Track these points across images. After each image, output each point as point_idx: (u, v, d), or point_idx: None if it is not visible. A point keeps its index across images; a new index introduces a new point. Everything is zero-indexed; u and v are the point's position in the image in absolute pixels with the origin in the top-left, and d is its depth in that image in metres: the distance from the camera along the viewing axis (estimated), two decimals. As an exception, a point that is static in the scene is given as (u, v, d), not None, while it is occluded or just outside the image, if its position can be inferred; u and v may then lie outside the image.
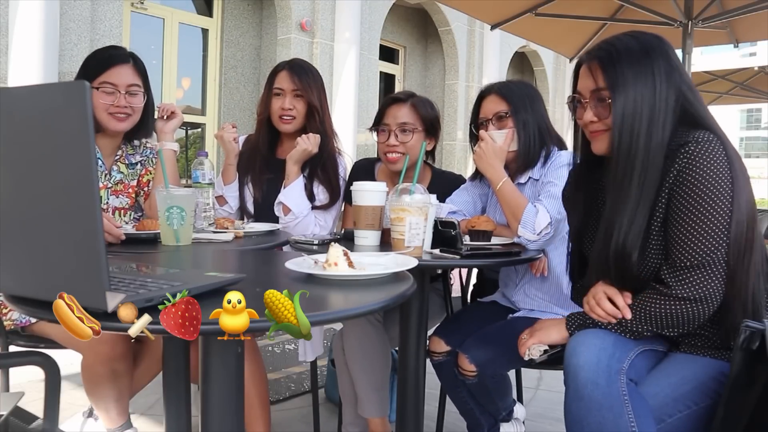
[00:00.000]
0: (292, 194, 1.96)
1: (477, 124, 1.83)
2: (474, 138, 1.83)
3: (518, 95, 1.76)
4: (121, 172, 1.88)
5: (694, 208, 1.13)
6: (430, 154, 2.03)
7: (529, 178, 1.77)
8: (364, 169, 2.08)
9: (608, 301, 1.25)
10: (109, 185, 1.85)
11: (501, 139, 1.71)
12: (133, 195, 1.90)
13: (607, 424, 1.11)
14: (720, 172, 1.13)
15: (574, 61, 5.39)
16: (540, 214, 1.59)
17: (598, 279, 1.29)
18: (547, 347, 1.33)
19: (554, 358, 1.36)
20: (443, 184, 1.95)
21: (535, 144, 1.74)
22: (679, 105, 1.21)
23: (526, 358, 1.36)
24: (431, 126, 1.94)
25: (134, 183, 1.91)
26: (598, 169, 1.35)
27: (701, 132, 1.16)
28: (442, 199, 1.87)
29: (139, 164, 1.92)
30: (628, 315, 1.21)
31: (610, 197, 1.24)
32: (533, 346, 1.34)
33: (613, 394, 1.11)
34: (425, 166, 2.05)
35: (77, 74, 1.81)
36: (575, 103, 1.30)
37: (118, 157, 1.88)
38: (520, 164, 1.77)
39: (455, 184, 1.96)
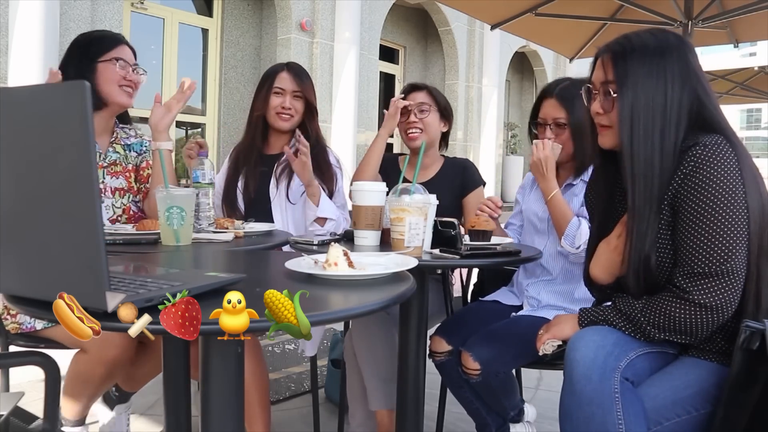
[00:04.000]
0: (326, 206, 2.02)
1: (536, 123, 1.89)
2: (531, 137, 1.93)
3: (579, 103, 1.76)
4: (117, 152, 1.89)
5: (709, 213, 1.12)
6: (444, 138, 2.24)
7: (565, 184, 1.85)
8: (391, 162, 2.24)
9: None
10: (104, 164, 1.86)
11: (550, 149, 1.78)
12: (131, 179, 1.91)
13: (595, 420, 1.10)
14: (730, 175, 1.11)
15: (575, 61, 5.42)
16: (582, 228, 1.69)
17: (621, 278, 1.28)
18: (560, 342, 1.34)
19: (559, 353, 1.37)
20: (453, 168, 2.19)
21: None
22: (694, 108, 1.20)
23: (541, 353, 1.37)
24: (445, 109, 2.20)
25: (131, 167, 1.92)
26: (614, 164, 1.33)
27: (710, 135, 1.15)
28: (453, 181, 2.13)
29: (135, 149, 1.94)
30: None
31: (627, 195, 1.23)
32: (547, 342, 1.35)
33: (604, 391, 1.11)
34: (438, 154, 2.26)
35: (74, 55, 1.79)
36: (589, 93, 1.30)
37: (113, 138, 1.90)
38: (575, 167, 1.85)
39: (464, 167, 2.18)
